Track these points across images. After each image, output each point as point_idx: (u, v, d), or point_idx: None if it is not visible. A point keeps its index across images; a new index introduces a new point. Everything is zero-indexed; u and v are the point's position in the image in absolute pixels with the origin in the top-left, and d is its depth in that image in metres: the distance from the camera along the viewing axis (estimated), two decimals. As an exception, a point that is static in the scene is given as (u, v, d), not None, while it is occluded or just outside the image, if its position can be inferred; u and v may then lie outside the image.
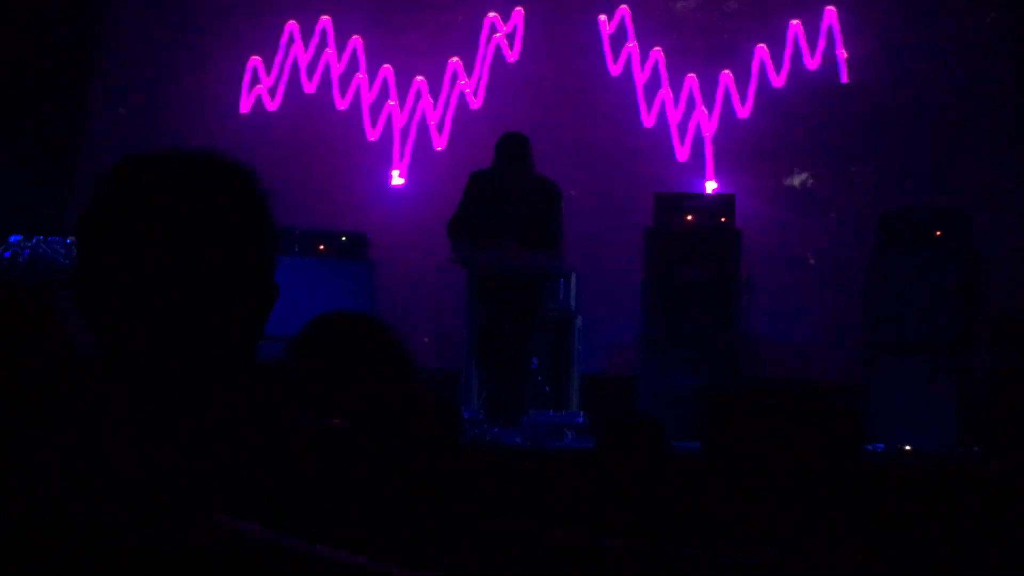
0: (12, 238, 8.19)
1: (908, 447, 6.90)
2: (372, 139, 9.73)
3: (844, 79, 9.03)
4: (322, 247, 8.63)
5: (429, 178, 9.57)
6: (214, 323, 1.39)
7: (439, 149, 9.68)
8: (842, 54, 9.06)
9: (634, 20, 9.55)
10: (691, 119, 9.33)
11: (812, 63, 9.13)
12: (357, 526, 1.32)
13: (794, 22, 9.23)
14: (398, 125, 9.75)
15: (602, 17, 9.61)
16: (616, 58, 9.54)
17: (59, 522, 1.16)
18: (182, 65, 9.95)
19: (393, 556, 1.30)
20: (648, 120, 9.41)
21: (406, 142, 9.74)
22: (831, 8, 9.14)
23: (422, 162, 9.68)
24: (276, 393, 1.41)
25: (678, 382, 7.62)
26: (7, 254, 8.10)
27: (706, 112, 9.30)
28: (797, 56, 9.20)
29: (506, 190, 7.22)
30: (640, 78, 9.46)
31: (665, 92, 9.40)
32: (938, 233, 7.55)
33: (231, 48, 9.94)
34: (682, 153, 9.29)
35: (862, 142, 9.02)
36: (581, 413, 7.77)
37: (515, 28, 9.72)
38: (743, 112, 9.22)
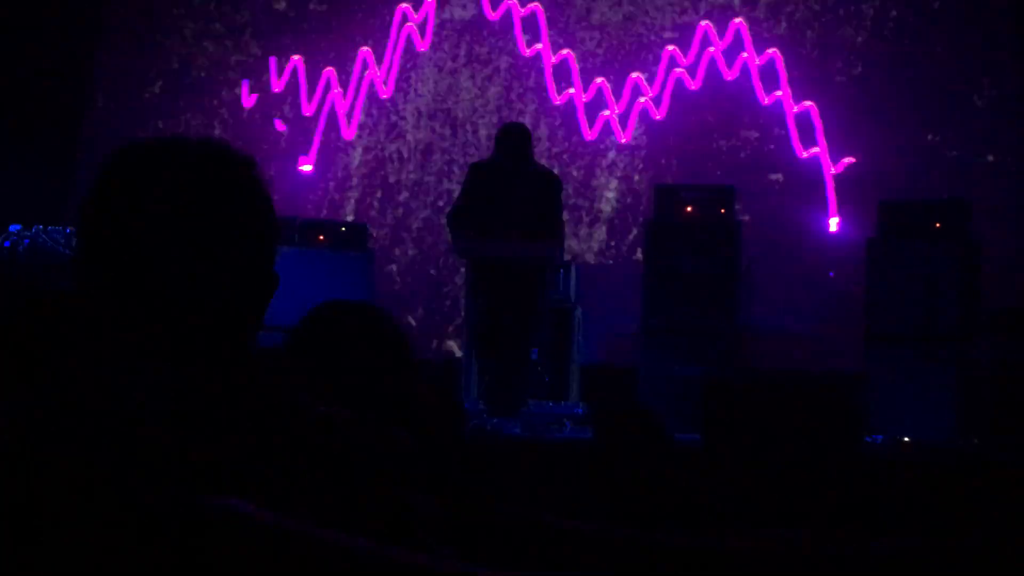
0: (12, 227, 8.19)
1: (907, 438, 6.90)
2: (281, 129, 9.76)
3: (762, 99, 9.12)
4: (322, 237, 8.64)
5: (338, 167, 9.66)
6: (212, 312, 1.39)
7: (348, 139, 9.75)
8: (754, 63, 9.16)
9: (546, 9, 9.65)
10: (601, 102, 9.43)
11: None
12: (359, 514, 1.32)
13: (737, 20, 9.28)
14: (307, 114, 9.80)
15: (513, 1, 9.71)
16: (528, 46, 9.63)
17: (60, 507, 1.16)
18: (175, 57, 9.99)
19: (395, 543, 1.30)
20: (559, 100, 9.52)
21: (315, 131, 9.78)
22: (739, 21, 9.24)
23: (330, 151, 9.74)
24: (277, 383, 1.41)
25: (678, 373, 7.63)
26: (7, 244, 8.09)
27: (613, 100, 9.40)
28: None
29: (506, 181, 7.22)
30: (550, 62, 9.56)
31: (575, 80, 9.50)
32: (937, 224, 7.55)
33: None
34: (590, 135, 9.38)
35: (861, 129, 9.01)
36: (580, 404, 7.78)
37: (426, 17, 9.77)
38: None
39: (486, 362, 7.39)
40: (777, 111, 9.11)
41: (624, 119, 9.39)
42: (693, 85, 9.28)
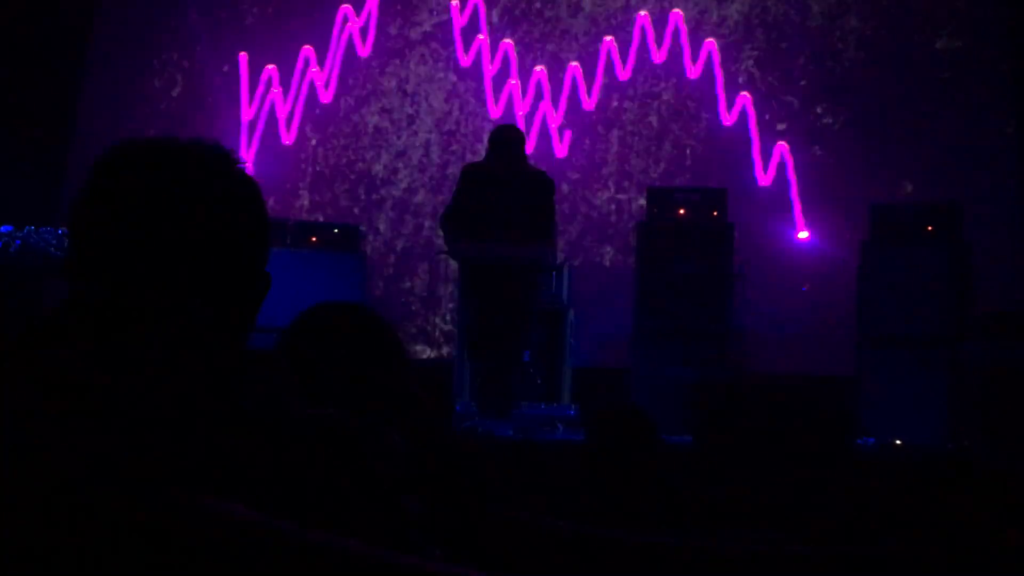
0: (3, 228, 8.18)
1: (898, 441, 6.91)
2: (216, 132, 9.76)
3: (690, 73, 9.19)
4: (314, 239, 8.64)
5: (275, 170, 9.68)
6: (204, 312, 1.39)
7: (287, 143, 9.77)
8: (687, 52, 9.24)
9: (487, 10, 9.71)
10: (538, 109, 9.48)
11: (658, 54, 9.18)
12: (349, 514, 1.32)
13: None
14: (246, 118, 9.81)
15: (454, 3, 9.74)
16: (467, 49, 9.67)
17: (56, 508, 1.16)
18: (170, 58, 9.99)
19: (384, 544, 1.30)
20: (496, 111, 9.57)
21: (254, 134, 9.78)
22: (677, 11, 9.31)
23: (269, 154, 9.75)
24: (268, 383, 1.41)
25: (670, 375, 7.63)
26: (-2, 244, 8.09)
27: (552, 104, 9.46)
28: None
29: (499, 183, 7.21)
30: (489, 71, 9.62)
31: (514, 83, 9.57)
32: (929, 227, 7.56)
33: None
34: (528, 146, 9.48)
35: (855, 134, 9.03)
36: (572, 406, 7.78)
37: (368, 18, 9.79)
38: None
39: (478, 364, 7.38)
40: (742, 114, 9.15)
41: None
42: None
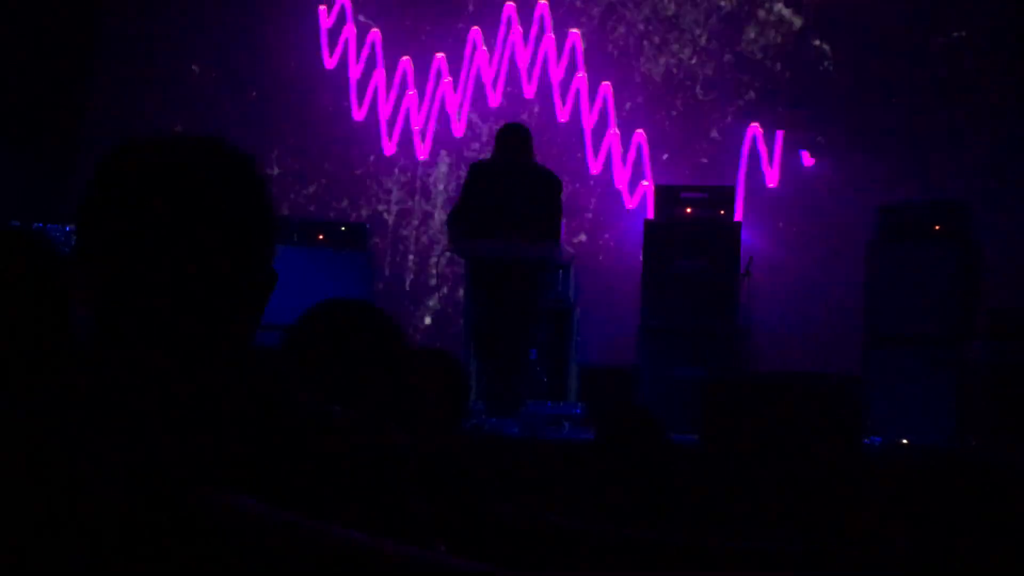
0: (11, 224, 8.21)
1: (906, 440, 6.90)
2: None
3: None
4: (321, 237, 8.65)
5: None
6: (211, 308, 1.39)
7: None
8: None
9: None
10: (401, 107, 9.60)
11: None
12: (353, 510, 1.32)
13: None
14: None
15: (322, 8, 9.78)
16: (332, 51, 9.74)
17: (60, 499, 1.17)
18: (180, 53, 10.00)
19: (389, 539, 1.30)
20: (359, 114, 9.66)
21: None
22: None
23: None
24: (274, 381, 1.41)
25: (677, 374, 7.62)
26: (6, 241, 8.11)
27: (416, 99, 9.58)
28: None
29: (506, 181, 7.22)
30: (355, 71, 9.70)
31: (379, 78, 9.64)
32: (937, 226, 7.55)
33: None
34: (389, 147, 9.57)
35: (861, 133, 9.01)
36: (579, 404, 7.78)
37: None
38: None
39: (484, 362, 7.39)
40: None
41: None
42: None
